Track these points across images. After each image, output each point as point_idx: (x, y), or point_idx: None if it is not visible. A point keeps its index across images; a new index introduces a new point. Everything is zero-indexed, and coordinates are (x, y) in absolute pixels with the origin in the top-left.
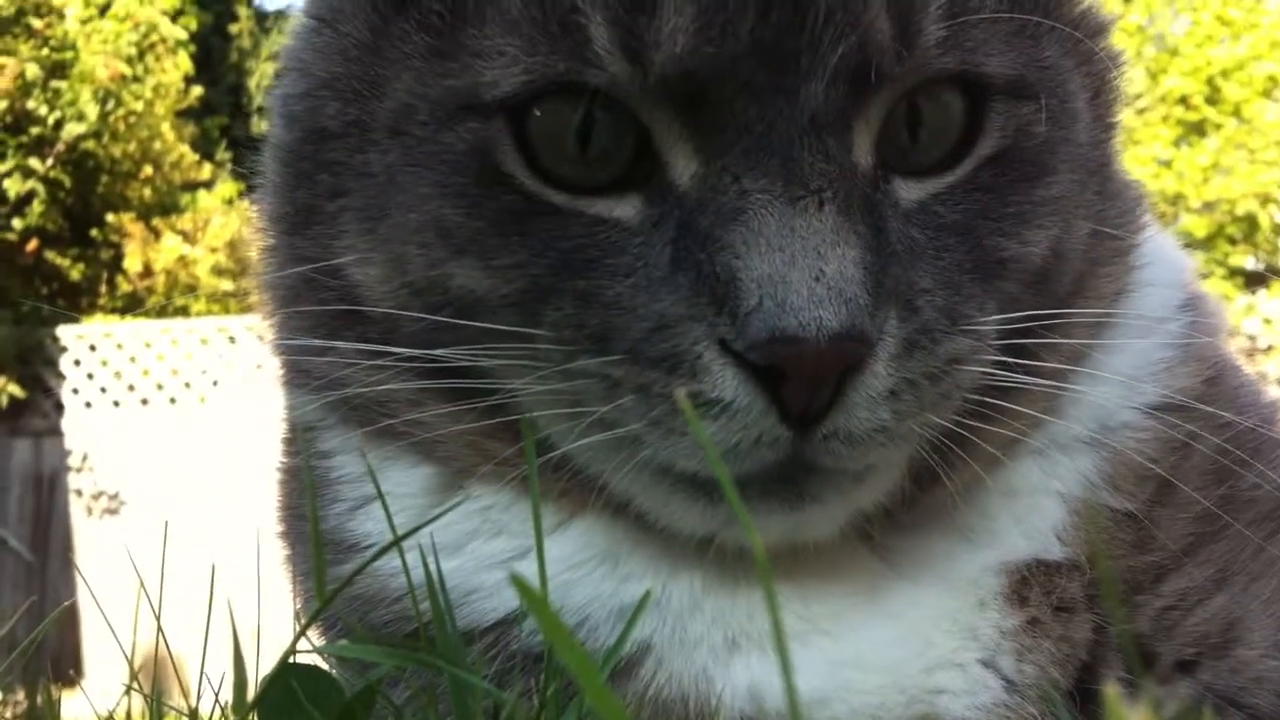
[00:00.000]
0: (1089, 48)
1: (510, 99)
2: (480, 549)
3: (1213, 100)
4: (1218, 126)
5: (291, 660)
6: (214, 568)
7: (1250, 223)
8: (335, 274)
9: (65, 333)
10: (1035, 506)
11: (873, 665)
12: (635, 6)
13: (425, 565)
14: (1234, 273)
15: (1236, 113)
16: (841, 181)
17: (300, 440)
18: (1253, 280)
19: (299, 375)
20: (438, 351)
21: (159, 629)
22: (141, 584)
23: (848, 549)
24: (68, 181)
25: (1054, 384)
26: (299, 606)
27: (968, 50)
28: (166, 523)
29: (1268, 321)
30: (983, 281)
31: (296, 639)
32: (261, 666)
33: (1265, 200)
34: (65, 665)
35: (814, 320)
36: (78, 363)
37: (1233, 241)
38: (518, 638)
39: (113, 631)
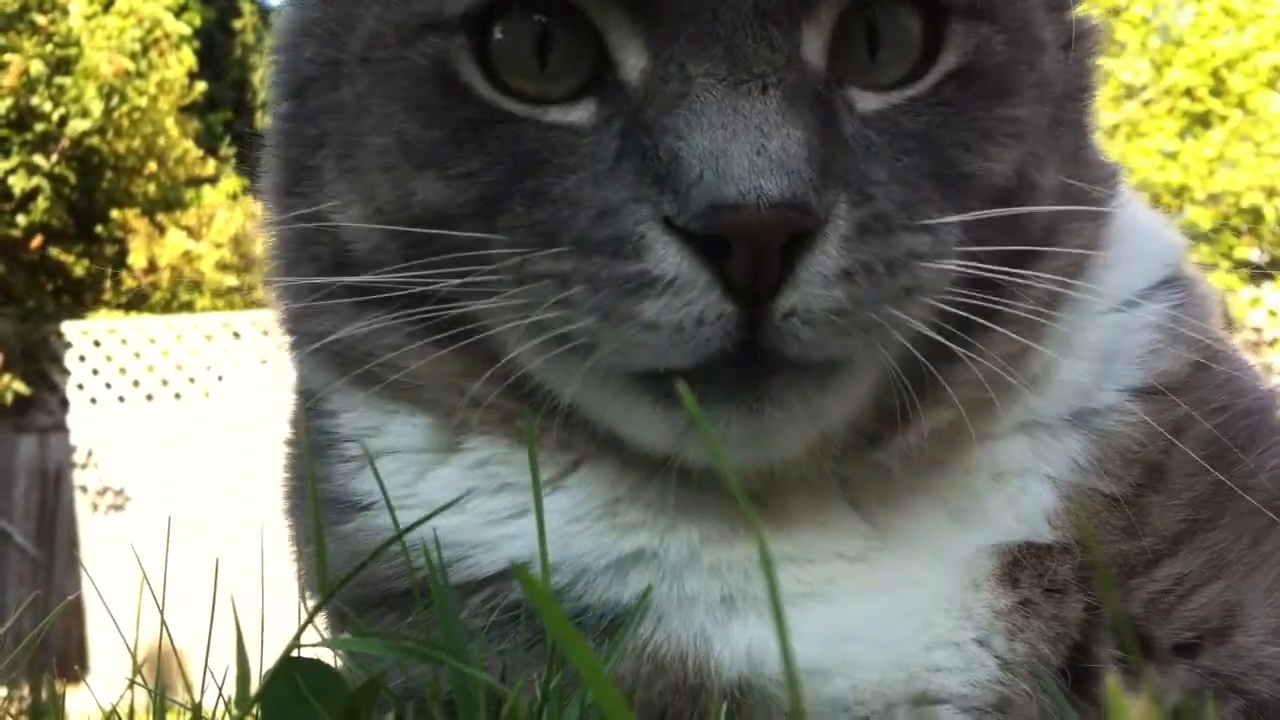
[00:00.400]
0: (1061, 1)
1: (470, 12)
2: (481, 506)
3: (1218, 92)
4: (1223, 118)
5: (295, 654)
6: (218, 562)
7: (1255, 215)
8: (324, 227)
9: (70, 329)
10: (1025, 489)
11: (874, 640)
12: None
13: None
14: (1239, 265)
15: (1241, 104)
16: (788, 71)
17: (301, 404)
18: (1258, 273)
19: (302, 338)
20: (395, 275)
21: (163, 624)
22: (145, 579)
23: (835, 509)
24: (72, 178)
25: (1021, 329)
26: (302, 578)
27: None
28: (170, 518)
29: (1273, 314)
30: (944, 190)
31: (300, 632)
32: (266, 660)
33: (1270, 193)
34: (70, 661)
35: (754, 189)
36: (82, 359)
37: (1238, 234)
38: (515, 588)
39: (117, 626)
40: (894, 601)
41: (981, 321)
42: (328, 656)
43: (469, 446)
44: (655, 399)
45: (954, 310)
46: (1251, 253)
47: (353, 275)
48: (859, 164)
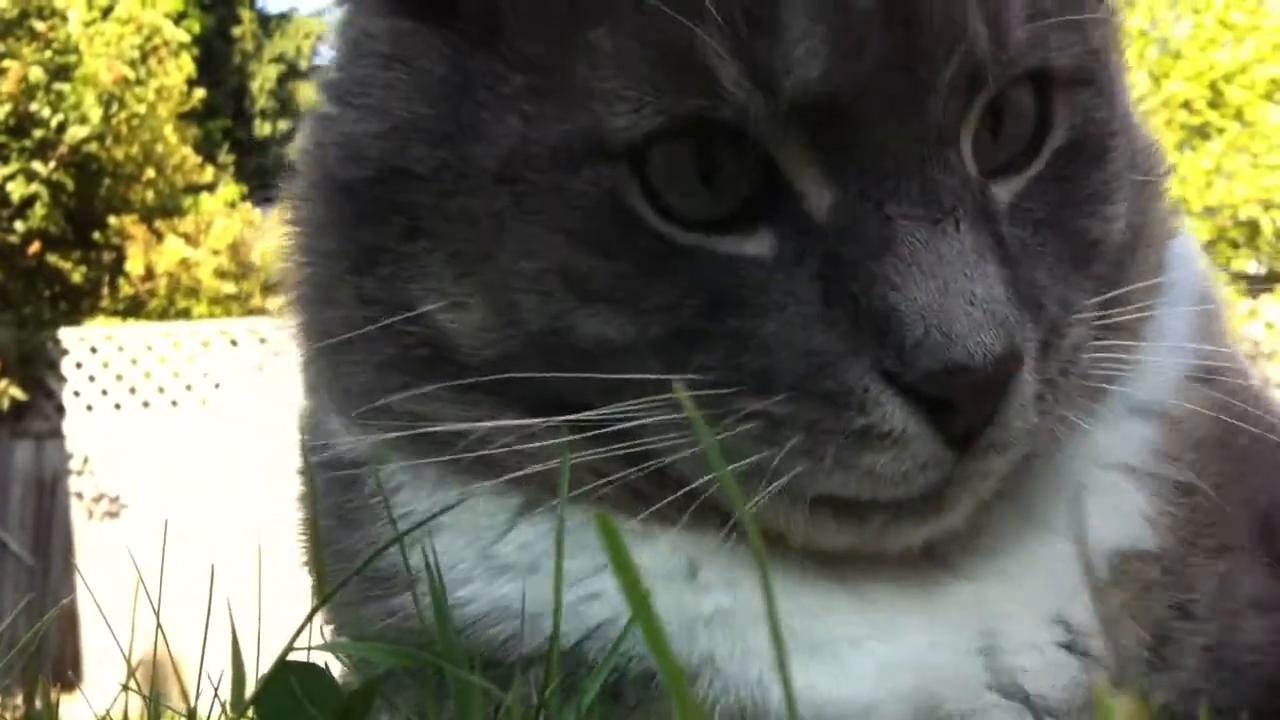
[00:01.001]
0: (1112, 19)
1: (637, 141)
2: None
3: (1215, 104)
4: (1220, 130)
5: (293, 659)
6: (213, 568)
7: (1253, 228)
8: (413, 318)
9: (67, 335)
10: (1113, 488)
11: (927, 664)
12: (759, 32)
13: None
14: (1236, 277)
15: (1239, 116)
16: (966, 195)
17: (327, 473)
18: (1255, 285)
19: (364, 414)
20: (590, 415)
21: (158, 629)
22: (141, 583)
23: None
24: (70, 184)
25: (1125, 354)
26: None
27: (1043, 48)
28: (166, 522)
29: (1270, 326)
30: (1080, 266)
31: (295, 636)
32: (262, 667)
33: (1268, 205)
34: (65, 668)
35: (979, 346)
36: (79, 365)
37: (1235, 246)
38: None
39: (112, 633)
40: (975, 620)
41: (1101, 356)
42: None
43: (542, 510)
44: (842, 515)
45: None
46: (1248, 265)
47: (453, 367)
48: (1025, 272)
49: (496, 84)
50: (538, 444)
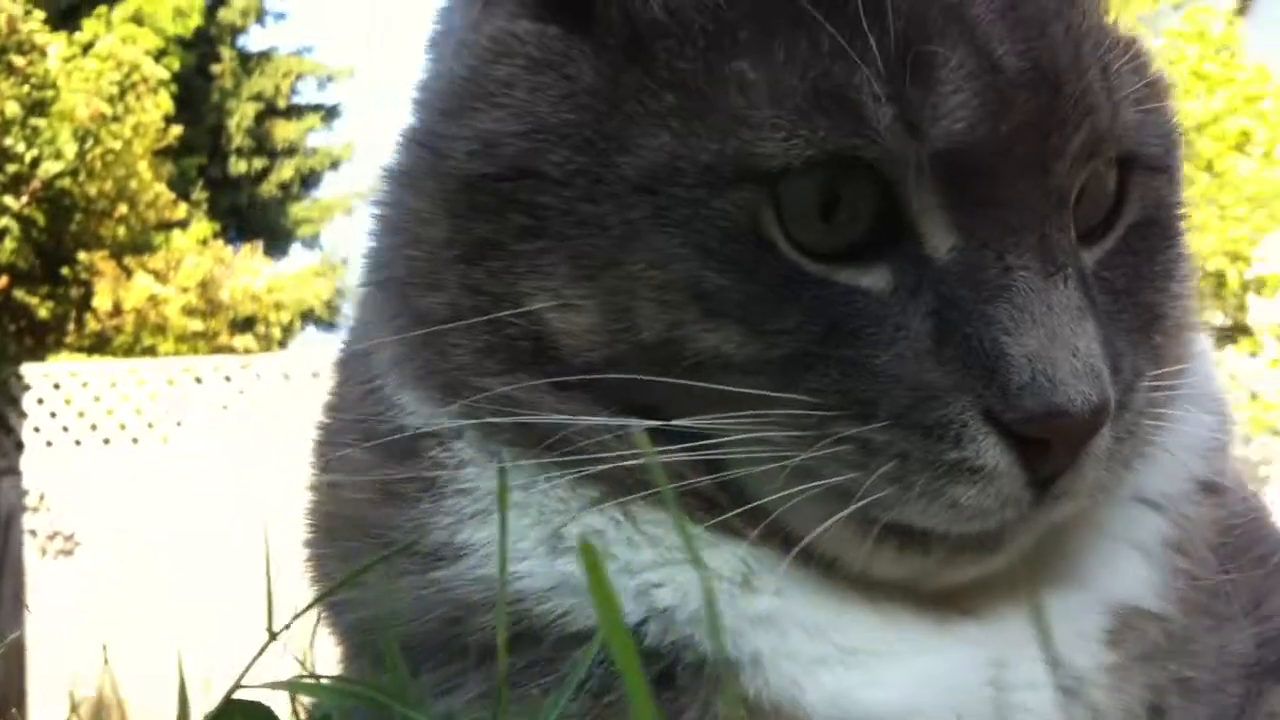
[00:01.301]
0: (1174, 112)
1: (777, 171)
2: (622, 554)
3: (1187, 155)
4: (1190, 182)
5: (242, 697)
6: (166, 608)
7: (1219, 279)
8: (520, 311)
9: (30, 371)
10: (1124, 555)
11: (947, 685)
12: (915, 80)
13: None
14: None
15: (1209, 167)
16: (1073, 255)
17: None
18: (1221, 336)
19: (444, 391)
20: (684, 422)
21: (105, 666)
22: (88, 623)
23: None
24: (41, 219)
25: (1163, 428)
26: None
27: (1139, 133)
28: (115, 562)
29: (1233, 377)
30: (1146, 336)
31: (243, 674)
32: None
33: (1234, 257)
34: (8, 706)
35: (1080, 394)
36: (41, 401)
37: (1202, 297)
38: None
39: (58, 672)
40: (986, 653)
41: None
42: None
43: (614, 505)
44: (906, 546)
45: None
46: (1215, 316)
47: (554, 364)
48: (1111, 336)
49: (646, 99)
50: (624, 445)
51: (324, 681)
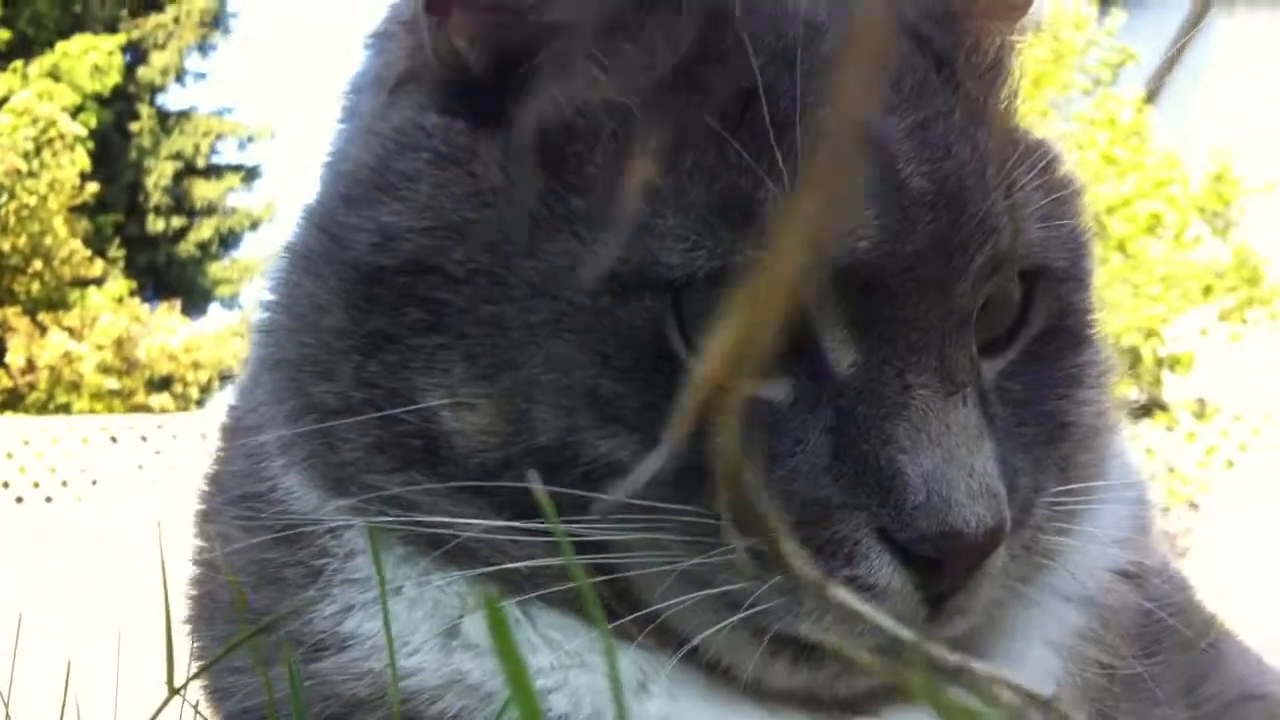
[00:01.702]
0: (1085, 211)
1: (680, 281)
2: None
3: (1099, 236)
4: (1104, 262)
5: None
6: (69, 665)
7: (1134, 355)
8: (413, 409)
9: None
10: (1031, 650)
11: None
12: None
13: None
14: (1120, 403)
15: (1121, 248)
16: (973, 373)
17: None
18: (1137, 411)
19: (333, 483)
20: (577, 527)
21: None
22: None
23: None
24: None
25: (1069, 538)
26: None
27: (1045, 248)
28: (20, 617)
29: (1150, 451)
30: (1050, 448)
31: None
32: None
33: (1148, 334)
34: None
35: (974, 516)
36: None
37: (1116, 364)
38: None
39: None
40: None
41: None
42: None
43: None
44: (798, 656)
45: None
46: (1130, 392)
47: (443, 464)
48: (1008, 453)
49: (552, 202)
50: (519, 547)
51: None
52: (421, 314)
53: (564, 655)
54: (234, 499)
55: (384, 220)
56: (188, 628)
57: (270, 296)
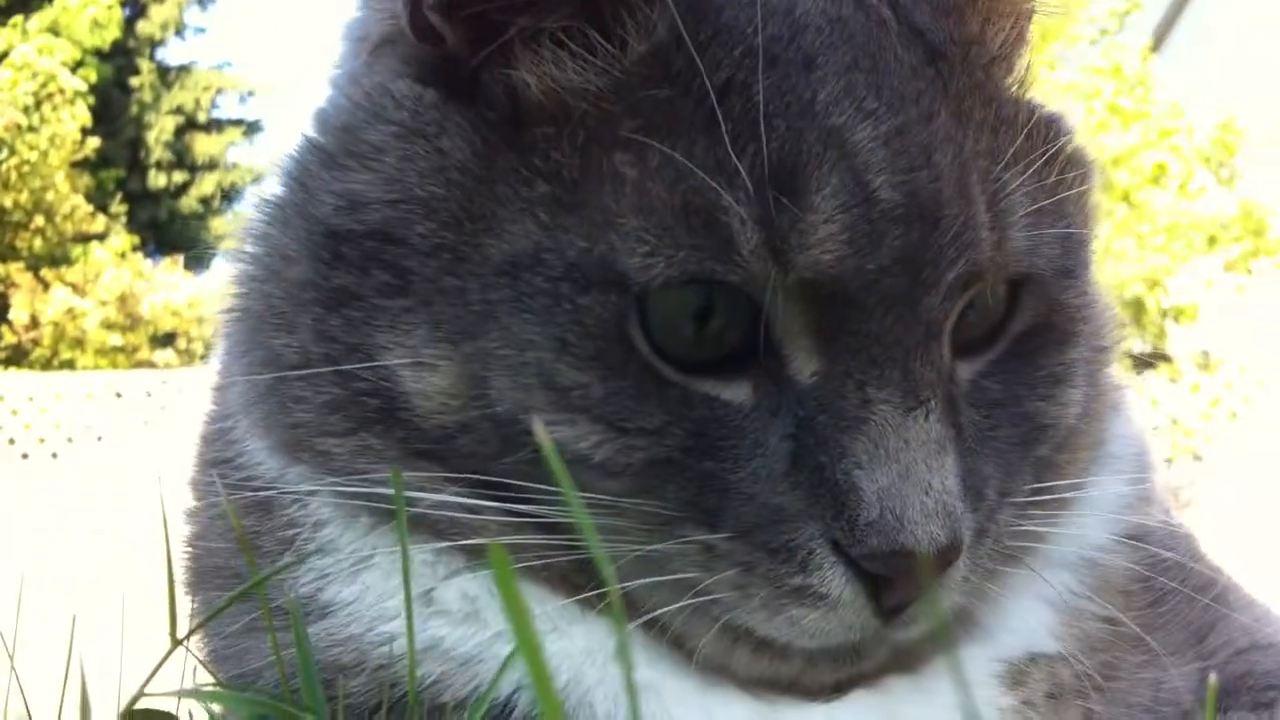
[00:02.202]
0: (1092, 189)
1: (643, 287)
2: (494, 621)
3: (1104, 188)
4: (1109, 214)
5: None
6: (74, 620)
7: (1138, 306)
8: (370, 365)
9: None
10: (1026, 607)
11: None
12: (783, 208)
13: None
14: (1123, 355)
15: (1126, 199)
16: (940, 386)
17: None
18: (1141, 363)
19: (288, 447)
20: (538, 509)
21: (12, 675)
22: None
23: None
24: None
25: (1053, 527)
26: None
27: (1033, 254)
28: (22, 577)
29: (1155, 402)
30: (1027, 449)
31: (145, 684)
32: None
33: (1152, 284)
34: None
35: (926, 535)
36: None
37: (1123, 325)
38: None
39: None
40: (892, 701)
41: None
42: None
43: (486, 571)
44: (760, 649)
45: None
46: (1134, 343)
47: (401, 426)
48: (975, 461)
49: (518, 184)
50: (479, 518)
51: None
52: (387, 278)
53: (539, 620)
54: (211, 462)
55: (352, 187)
56: (186, 593)
57: (244, 248)
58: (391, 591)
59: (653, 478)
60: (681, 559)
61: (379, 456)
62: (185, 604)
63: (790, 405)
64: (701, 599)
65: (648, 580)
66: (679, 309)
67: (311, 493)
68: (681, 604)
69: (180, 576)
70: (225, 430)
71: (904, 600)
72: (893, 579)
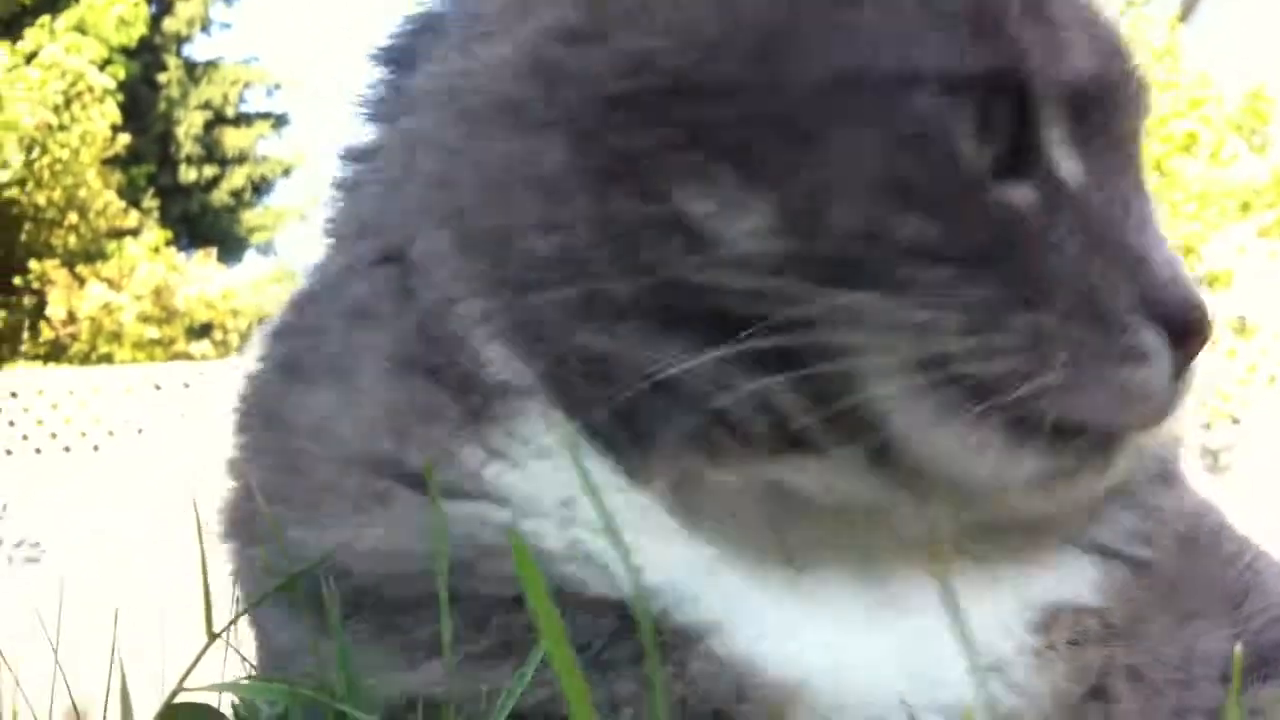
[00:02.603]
0: None
1: (960, 83)
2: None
3: None
4: None
5: (188, 699)
6: (117, 614)
7: None
8: (665, 230)
9: None
10: (1069, 553)
11: (887, 659)
12: (1040, 22)
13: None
14: None
15: (1158, 168)
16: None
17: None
18: None
19: (533, 341)
20: (847, 299)
21: (63, 678)
22: (47, 629)
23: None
24: None
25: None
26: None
27: None
28: (85, 567)
29: None
30: None
31: (184, 677)
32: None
33: (1186, 251)
34: None
35: (1200, 295)
36: None
37: None
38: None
39: (17, 683)
40: (919, 627)
41: None
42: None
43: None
44: (1047, 446)
45: None
46: None
47: (705, 278)
48: None
49: (826, 7)
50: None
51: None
52: (672, 131)
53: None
54: (376, 342)
55: (628, 48)
56: (261, 497)
57: (433, 167)
58: (561, 483)
59: (974, 269)
60: (1003, 353)
61: (622, 324)
62: (227, 591)
63: (1065, 204)
64: (1026, 389)
65: (939, 385)
66: (967, 112)
67: (531, 392)
68: (985, 405)
69: (259, 478)
70: (428, 328)
71: (1192, 353)
72: (1188, 333)
